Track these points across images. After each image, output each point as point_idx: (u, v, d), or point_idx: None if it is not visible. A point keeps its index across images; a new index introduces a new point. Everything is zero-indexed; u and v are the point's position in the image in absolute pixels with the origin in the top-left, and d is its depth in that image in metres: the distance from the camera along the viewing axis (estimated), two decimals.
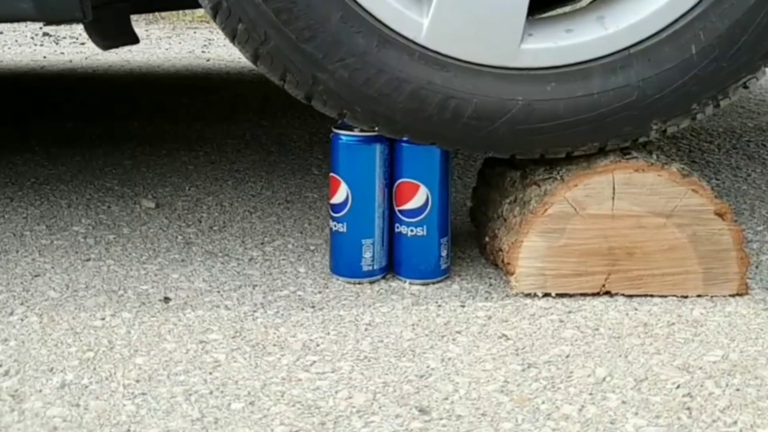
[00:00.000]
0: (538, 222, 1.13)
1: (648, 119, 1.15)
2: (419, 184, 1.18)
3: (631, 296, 1.16)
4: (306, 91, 1.15)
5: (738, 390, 0.95)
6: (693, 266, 1.15)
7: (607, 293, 1.16)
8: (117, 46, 1.72)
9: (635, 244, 1.14)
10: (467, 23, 1.12)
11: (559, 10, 1.17)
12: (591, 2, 1.23)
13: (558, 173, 1.17)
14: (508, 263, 1.16)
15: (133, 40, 1.65)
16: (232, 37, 1.14)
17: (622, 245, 1.14)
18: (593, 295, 1.16)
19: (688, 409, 0.91)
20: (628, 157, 1.16)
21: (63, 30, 3.73)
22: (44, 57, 3.19)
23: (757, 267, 1.28)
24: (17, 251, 1.34)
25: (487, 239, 1.26)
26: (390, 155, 1.19)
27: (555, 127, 1.14)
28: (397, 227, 1.20)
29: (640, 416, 0.90)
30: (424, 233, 1.19)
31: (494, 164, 1.32)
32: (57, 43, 3.51)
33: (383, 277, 1.23)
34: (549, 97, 1.14)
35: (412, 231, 1.19)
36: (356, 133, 1.18)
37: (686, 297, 1.16)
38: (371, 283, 1.21)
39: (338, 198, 1.19)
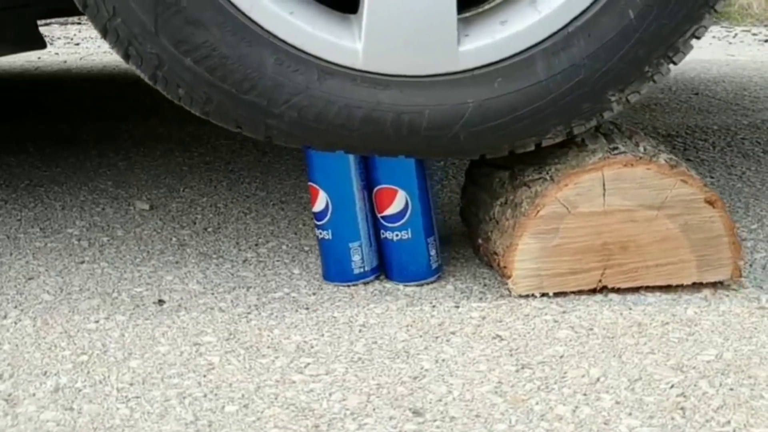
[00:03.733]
0: (531, 224, 1.13)
1: (603, 92, 1.15)
2: (397, 188, 1.18)
3: (625, 296, 1.16)
4: (264, 135, 1.16)
5: (732, 389, 0.95)
6: (686, 255, 1.16)
7: (604, 288, 1.17)
8: (19, 52, 1.70)
9: (628, 237, 1.15)
10: (399, 39, 1.12)
11: (492, 3, 1.16)
12: None
13: (548, 173, 1.17)
14: (504, 267, 1.16)
15: (40, 45, 1.62)
16: (178, 100, 1.15)
17: (616, 240, 1.15)
18: (589, 293, 1.17)
19: (682, 409, 0.91)
20: (616, 152, 1.16)
21: (57, 30, 3.72)
22: (39, 58, 3.18)
23: (751, 265, 1.28)
24: (11, 254, 1.34)
25: (480, 241, 1.26)
26: (364, 160, 1.19)
27: (513, 120, 1.15)
28: (383, 233, 1.20)
29: (633, 417, 0.90)
30: (410, 236, 1.19)
31: (481, 164, 1.32)
32: (51, 44, 3.51)
33: (376, 278, 1.23)
34: (499, 94, 1.14)
35: (397, 235, 1.19)
36: None
37: (681, 295, 1.17)
38: (365, 284, 1.21)
39: (319, 206, 1.19)
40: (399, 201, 1.19)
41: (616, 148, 1.17)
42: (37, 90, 2.70)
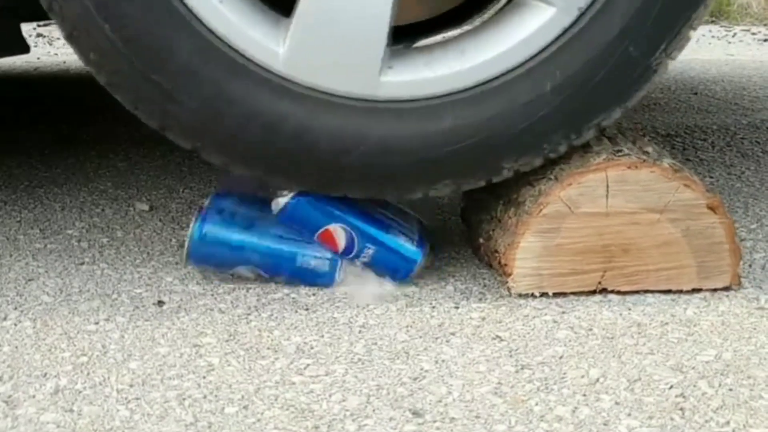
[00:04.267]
0: (533, 222, 1.14)
1: (497, 159, 1.15)
2: (335, 227, 1.18)
3: (624, 296, 1.16)
4: (159, 122, 1.15)
5: (731, 390, 0.95)
6: (687, 260, 1.16)
7: (603, 290, 1.17)
8: (2, 56, 1.69)
9: (630, 240, 1.15)
10: (324, 50, 1.11)
11: (428, 41, 1.16)
12: (456, 36, 1.22)
13: (552, 173, 1.17)
14: (505, 264, 1.16)
15: (23, 49, 1.61)
16: (87, 63, 1.14)
17: (617, 242, 1.15)
18: (588, 294, 1.17)
19: (681, 409, 0.91)
20: (620, 154, 1.16)
21: (56, 31, 3.72)
22: (38, 58, 3.18)
23: (750, 265, 1.28)
24: (10, 255, 1.34)
25: (481, 240, 1.26)
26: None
27: (406, 164, 1.15)
28: (355, 262, 1.20)
29: (633, 417, 0.90)
30: (377, 255, 1.19)
31: None
32: (51, 44, 3.51)
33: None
34: (405, 133, 1.13)
35: (365, 259, 1.19)
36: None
37: (680, 295, 1.17)
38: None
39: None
40: (340, 237, 1.18)
41: (620, 151, 1.17)
42: (37, 91, 2.70)
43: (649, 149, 1.21)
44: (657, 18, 1.10)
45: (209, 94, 1.11)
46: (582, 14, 1.10)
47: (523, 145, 1.15)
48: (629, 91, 1.14)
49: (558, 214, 1.13)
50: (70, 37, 1.12)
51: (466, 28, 1.26)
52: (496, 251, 1.19)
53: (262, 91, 1.11)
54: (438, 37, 1.31)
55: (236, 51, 1.11)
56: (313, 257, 1.19)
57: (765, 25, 4.29)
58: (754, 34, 4.06)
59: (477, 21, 1.27)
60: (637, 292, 1.17)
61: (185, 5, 1.09)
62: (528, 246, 1.14)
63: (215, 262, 1.21)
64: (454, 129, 1.13)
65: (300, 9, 1.10)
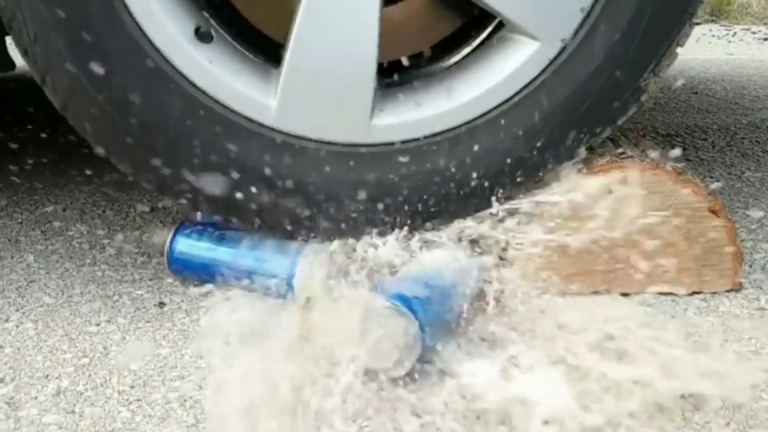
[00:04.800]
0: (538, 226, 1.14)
1: (489, 193, 1.15)
2: None
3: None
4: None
5: (730, 392, 0.95)
6: (688, 263, 1.16)
7: (606, 291, 1.17)
8: None
9: (633, 243, 1.14)
10: (316, 99, 1.10)
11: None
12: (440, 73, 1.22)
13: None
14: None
15: (8, 67, 1.59)
16: (83, 133, 1.15)
17: (617, 245, 1.14)
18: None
19: (681, 410, 0.92)
20: (623, 156, 1.16)
21: None
22: None
23: (750, 266, 1.28)
24: (12, 257, 1.34)
25: None
26: None
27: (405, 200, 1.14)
28: None
29: (633, 418, 0.90)
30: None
31: None
32: None
33: None
34: (402, 173, 1.13)
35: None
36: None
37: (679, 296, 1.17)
38: None
39: None
40: None
41: (623, 153, 1.17)
42: (38, 93, 2.69)
43: (651, 152, 1.21)
44: (642, 42, 1.10)
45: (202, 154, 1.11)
46: (565, 46, 1.10)
47: (514, 177, 1.15)
48: (619, 113, 1.14)
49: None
50: (64, 110, 1.13)
51: (451, 61, 1.26)
52: None
53: (254, 145, 1.11)
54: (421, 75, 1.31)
55: (226, 107, 1.10)
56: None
57: (765, 24, 4.29)
58: (754, 33, 4.06)
59: (456, 57, 1.25)
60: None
61: (172, 66, 1.08)
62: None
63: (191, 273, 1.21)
64: (447, 168, 1.13)
65: (288, 59, 1.09)
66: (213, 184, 1.12)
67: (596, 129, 1.14)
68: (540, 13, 1.10)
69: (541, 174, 1.16)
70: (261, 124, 1.11)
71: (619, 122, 1.15)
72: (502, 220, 1.15)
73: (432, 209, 1.15)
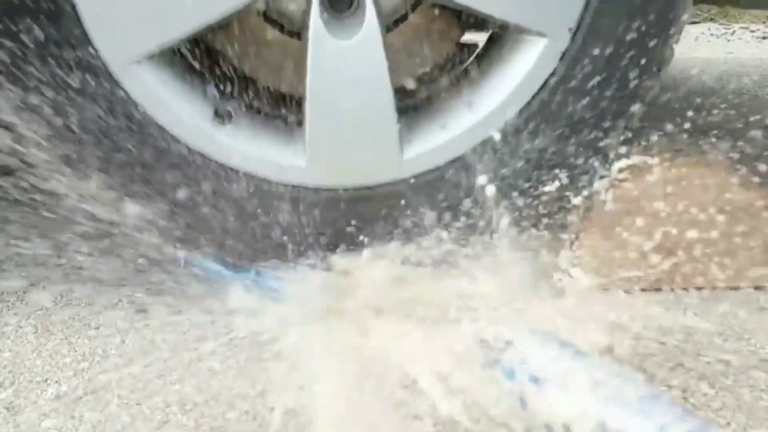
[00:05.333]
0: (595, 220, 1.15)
1: None
2: None
3: None
4: None
5: (731, 392, 0.95)
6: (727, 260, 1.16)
7: (659, 285, 1.18)
8: None
9: (680, 238, 1.14)
10: (342, 148, 1.11)
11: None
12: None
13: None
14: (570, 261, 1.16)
15: None
16: None
17: (669, 240, 1.15)
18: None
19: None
20: (677, 151, 1.18)
21: None
22: None
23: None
24: (11, 260, 1.34)
25: None
26: None
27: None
28: None
29: None
30: None
31: None
32: None
33: None
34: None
35: None
36: None
37: (680, 297, 1.17)
38: None
39: None
40: None
41: (679, 150, 1.19)
42: None
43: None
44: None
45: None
46: (575, 34, 1.09)
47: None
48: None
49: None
50: None
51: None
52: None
53: (290, 206, 1.12)
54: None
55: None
56: None
57: (764, 22, 4.29)
58: (753, 31, 4.05)
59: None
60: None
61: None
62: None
63: None
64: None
65: (309, 117, 1.09)
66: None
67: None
68: (538, 7, 1.09)
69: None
70: (292, 185, 1.12)
71: None
72: None
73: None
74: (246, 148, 1.11)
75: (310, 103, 1.08)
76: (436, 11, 1.18)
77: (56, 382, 0.99)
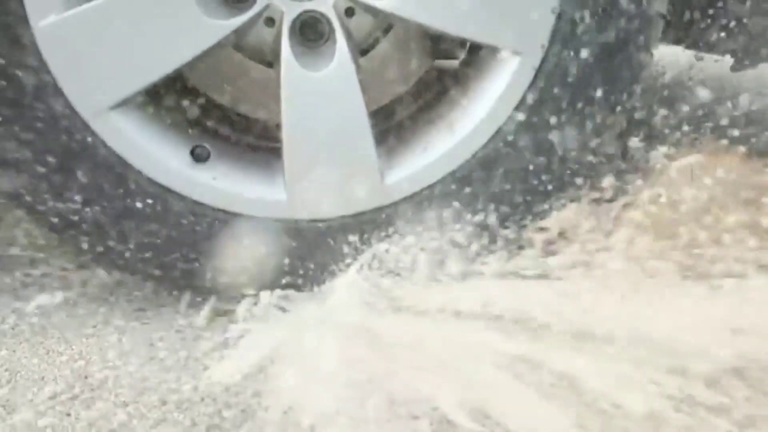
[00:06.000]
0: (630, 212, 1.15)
1: None
2: None
3: None
4: None
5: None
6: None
7: (685, 274, 1.15)
8: None
9: (709, 227, 1.15)
10: (320, 179, 1.10)
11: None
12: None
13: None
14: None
15: None
16: None
17: (698, 229, 1.15)
18: None
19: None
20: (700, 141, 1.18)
21: None
22: None
23: None
24: (9, 258, 1.34)
25: None
26: None
27: None
28: None
29: None
30: None
31: None
32: None
33: None
34: None
35: None
36: None
37: None
38: None
39: None
40: None
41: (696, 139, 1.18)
42: None
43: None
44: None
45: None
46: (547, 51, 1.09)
47: None
48: None
49: None
50: None
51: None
52: None
53: (272, 239, 1.11)
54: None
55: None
56: None
57: None
58: None
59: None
60: None
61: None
62: None
63: None
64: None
65: (286, 149, 1.08)
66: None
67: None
68: (511, 26, 1.08)
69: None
70: (274, 219, 1.11)
71: None
72: None
73: None
74: (225, 185, 1.10)
75: (287, 135, 1.08)
76: (410, 34, 1.18)
77: (53, 380, 0.99)
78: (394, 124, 1.23)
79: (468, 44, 1.21)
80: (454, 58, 1.29)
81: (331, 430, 0.89)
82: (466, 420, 0.89)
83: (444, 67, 1.29)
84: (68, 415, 0.92)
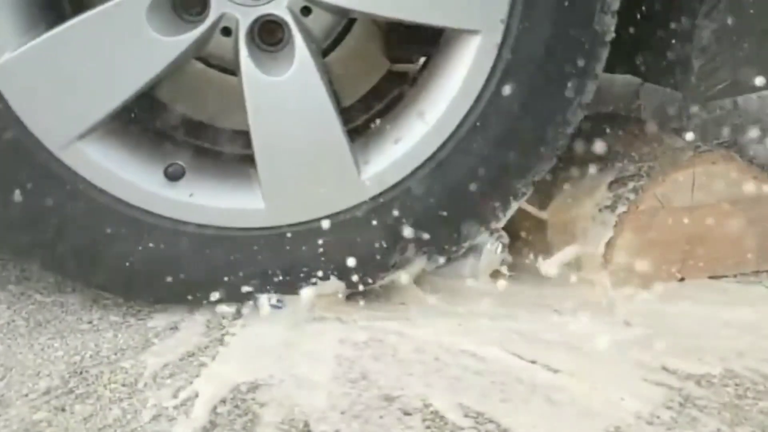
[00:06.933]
0: (631, 219, 1.17)
1: None
2: None
3: None
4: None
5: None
6: (750, 246, 1.21)
7: (681, 279, 1.21)
8: None
9: (707, 231, 1.20)
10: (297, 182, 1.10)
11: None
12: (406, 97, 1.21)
13: (642, 170, 1.21)
14: (601, 260, 1.19)
15: None
16: None
17: (696, 233, 1.19)
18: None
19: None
20: (701, 150, 1.21)
21: None
22: None
23: None
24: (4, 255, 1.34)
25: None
26: None
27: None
28: None
29: None
30: None
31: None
32: None
33: None
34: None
35: None
36: None
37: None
38: None
39: None
40: None
41: (698, 146, 1.22)
42: None
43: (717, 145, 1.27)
44: None
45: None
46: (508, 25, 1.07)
47: None
48: None
49: (652, 210, 1.18)
50: None
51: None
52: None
53: (256, 251, 1.11)
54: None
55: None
56: None
57: None
58: None
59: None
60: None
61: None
62: (624, 242, 1.18)
63: None
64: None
65: (258, 157, 1.08)
66: None
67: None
68: (466, 5, 1.07)
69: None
70: (253, 228, 1.10)
71: None
72: None
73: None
74: (202, 200, 1.10)
75: (257, 143, 1.07)
76: (373, 28, 1.17)
77: (48, 375, 0.99)
78: (368, 119, 1.22)
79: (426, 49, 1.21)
80: (410, 62, 1.29)
81: None
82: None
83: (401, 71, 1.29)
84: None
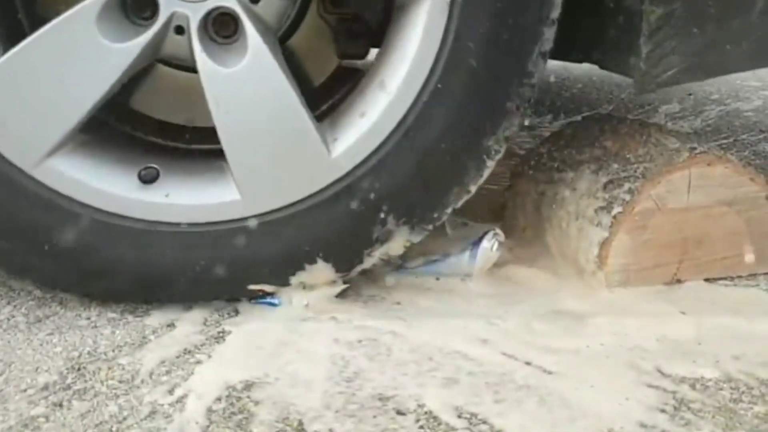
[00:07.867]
0: (626, 220, 1.17)
1: None
2: None
3: None
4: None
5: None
6: (747, 247, 1.22)
7: (678, 281, 1.22)
8: None
9: (703, 232, 1.20)
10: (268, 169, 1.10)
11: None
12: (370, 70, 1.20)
13: (638, 171, 1.21)
14: (596, 261, 1.19)
15: None
16: None
17: (693, 235, 1.20)
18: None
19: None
20: (696, 152, 1.21)
21: None
22: None
23: None
24: None
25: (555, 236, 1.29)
26: None
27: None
28: None
29: None
30: None
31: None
32: None
33: None
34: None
35: None
36: None
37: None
38: None
39: None
40: None
41: (694, 148, 1.22)
42: None
43: (712, 145, 1.28)
44: None
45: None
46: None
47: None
48: None
49: (647, 212, 1.18)
50: None
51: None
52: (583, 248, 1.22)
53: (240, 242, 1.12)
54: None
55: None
56: None
57: None
58: None
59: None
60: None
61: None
62: (619, 243, 1.18)
63: None
64: None
65: (226, 149, 1.08)
66: None
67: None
68: None
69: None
70: (235, 219, 1.11)
71: None
72: None
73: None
74: (179, 200, 1.10)
75: (223, 136, 1.07)
76: (330, 4, 1.18)
77: (46, 371, 1.00)
78: (334, 96, 1.22)
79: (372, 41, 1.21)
80: (360, 58, 1.29)
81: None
82: None
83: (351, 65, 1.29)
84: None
